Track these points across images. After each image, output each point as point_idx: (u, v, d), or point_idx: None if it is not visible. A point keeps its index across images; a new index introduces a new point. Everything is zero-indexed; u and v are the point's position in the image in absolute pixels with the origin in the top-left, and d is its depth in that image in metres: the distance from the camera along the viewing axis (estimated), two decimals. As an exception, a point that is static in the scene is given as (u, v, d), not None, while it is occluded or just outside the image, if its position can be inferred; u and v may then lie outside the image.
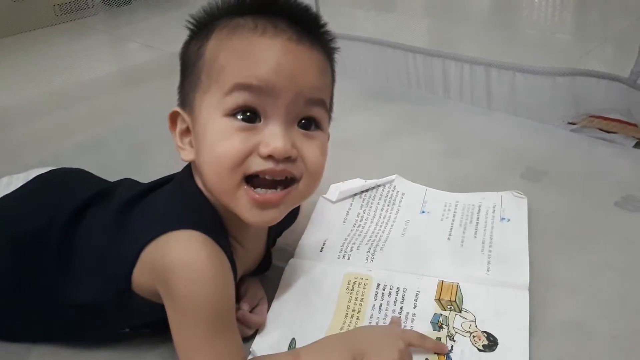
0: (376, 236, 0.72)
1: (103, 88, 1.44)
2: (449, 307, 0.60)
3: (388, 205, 0.79)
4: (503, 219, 0.74)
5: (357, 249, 0.70)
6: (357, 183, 0.82)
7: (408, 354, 0.54)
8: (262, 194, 0.49)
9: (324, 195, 0.80)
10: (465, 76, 1.11)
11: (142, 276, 0.50)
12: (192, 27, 0.54)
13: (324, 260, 0.68)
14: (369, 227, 0.75)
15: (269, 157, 0.49)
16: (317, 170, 0.52)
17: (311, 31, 0.52)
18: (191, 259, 0.47)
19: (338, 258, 0.68)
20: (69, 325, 0.57)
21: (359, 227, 0.75)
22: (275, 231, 0.65)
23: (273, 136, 0.49)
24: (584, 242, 0.71)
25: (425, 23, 1.71)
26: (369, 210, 0.78)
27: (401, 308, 0.60)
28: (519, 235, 0.70)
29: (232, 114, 0.49)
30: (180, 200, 0.54)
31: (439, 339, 0.57)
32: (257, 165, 0.49)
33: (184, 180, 0.55)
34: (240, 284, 0.61)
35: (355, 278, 0.64)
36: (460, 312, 0.60)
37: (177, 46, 0.56)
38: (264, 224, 0.53)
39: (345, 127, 0.86)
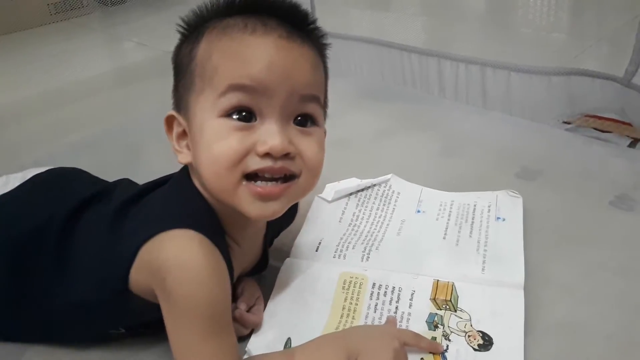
0: (372, 235, 0.72)
1: (98, 87, 1.43)
2: (444, 306, 0.60)
3: (383, 205, 0.79)
4: (498, 218, 0.74)
5: (353, 248, 0.70)
6: (353, 182, 0.82)
7: (403, 354, 0.54)
8: (263, 186, 0.49)
9: (320, 195, 0.80)
10: (461, 75, 1.11)
11: (138, 275, 0.50)
12: (182, 29, 0.54)
13: (320, 260, 0.68)
14: (365, 226, 0.75)
15: (267, 155, 0.48)
16: (316, 166, 0.53)
17: (301, 28, 0.52)
18: (187, 258, 0.47)
19: (334, 257, 0.68)
20: (65, 324, 0.57)
21: (354, 226, 0.75)
22: (273, 231, 0.65)
23: (270, 134, 0.49)
24: (579, 241, 0.71)
25: (420, 22, 1.71)
26: (365, 210, 0.78)
27: (397, 307, 0.60)
28: (514, 234, 0.70)
29: (228, 114, 0.49)
30: (178, 200, 0.54)
31: (434, 338, 0.57)
32: (255, 164, 0.49)
33: (181, 181, 0.55)
34: (237, 283, 0.61)
35: (350, 277, 0.64)
36: (456, 311, 0.60)
37: (172, 45, 0.55)
38: (266, 218, 0.53)
39: (340, 126, 0.86)
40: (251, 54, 0.49)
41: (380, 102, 1.17)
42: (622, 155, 0.90)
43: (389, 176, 0.83)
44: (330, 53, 0.56)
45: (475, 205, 0.77)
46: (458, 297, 0.61)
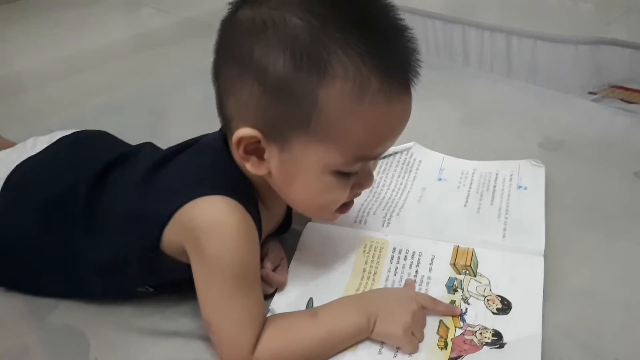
0: (392, 202, 0.73)
1: (117, 53, 1.43)
2: (464, 271, 0.61)
3: (405, 172, 0.79)
4: (520, 187, 0.74)
5: (374, 214, 0.70)
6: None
7: (422, 316, 0.55)
8: (347, 206, 0.56)
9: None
10: (486, 44, 1.09)
11: (172, 235, 0.52)
12: (292, 46, 0.45)
13: (341, 224, 0.69)
14: (386, 193, 0.75)
15: None
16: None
17: (412, 79, 0.52)
18: (223, 220, 0.50)
19: (355, 222, 0.69)
20: (94, 282, 0.59)
21: (375, 193, 0.75)
22: None
23: (367, 177, 0.54)
24: (601, 211, 0.71)
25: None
26: (386, 177, 0.78)
27: (416, 271, 0.61)
28: (536, 203, 0.70)
29: (345, 174, 0.51)
30: (216, 168, 0.54)
31: (453, 301, 0.58)
32: (351, 196, 0.55)
33: (217, 149, 0.55)
34: (262, 245, 0.62)
35: (371, 242, 0.65)
36: (475, 276, 0.60)
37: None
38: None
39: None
40: (389, 129, 0.51)
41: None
42: (648, 127, 0.89)
43: (410, 144, 0.83)
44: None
45: (497, 174, 0.77)
46: (478, 262, 0.62)
